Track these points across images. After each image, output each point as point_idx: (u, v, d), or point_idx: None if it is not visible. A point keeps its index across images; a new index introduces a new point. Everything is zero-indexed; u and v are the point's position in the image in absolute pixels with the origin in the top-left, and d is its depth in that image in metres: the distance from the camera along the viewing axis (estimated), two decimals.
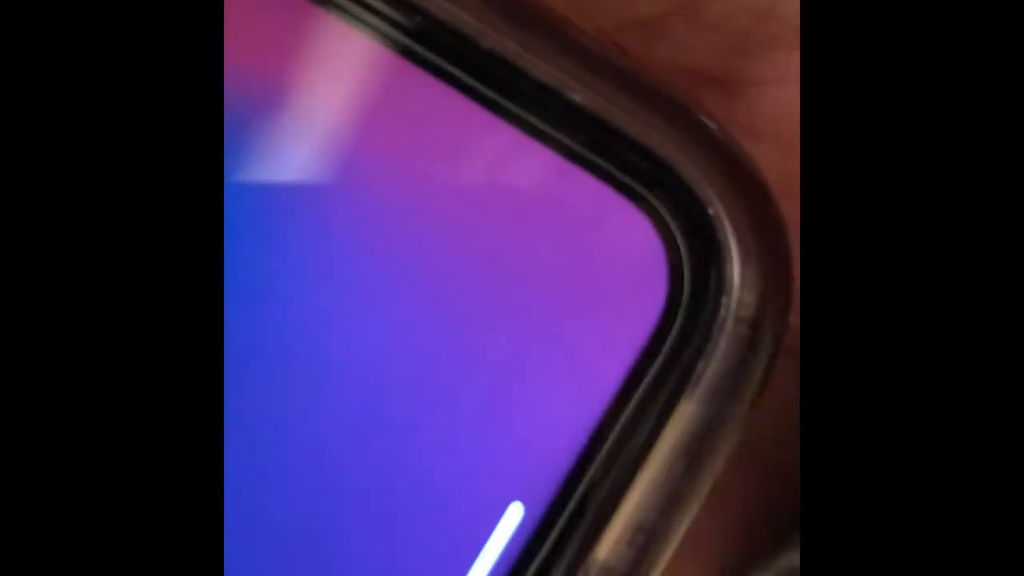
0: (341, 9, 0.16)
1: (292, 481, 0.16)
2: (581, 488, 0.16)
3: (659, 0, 0.19)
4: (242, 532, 0.16)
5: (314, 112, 0.16)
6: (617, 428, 0.16)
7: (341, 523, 0.16)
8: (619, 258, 0.16)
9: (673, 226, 0.16)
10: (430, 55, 0.16)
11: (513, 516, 0.16)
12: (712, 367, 0.15)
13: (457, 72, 0.16)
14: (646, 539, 0.16)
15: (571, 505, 0.16)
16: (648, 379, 0.16)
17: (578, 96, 0.16)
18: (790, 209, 0.16)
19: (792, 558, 0.19)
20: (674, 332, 0.16)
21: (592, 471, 0.16)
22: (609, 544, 0.16)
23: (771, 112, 0.19)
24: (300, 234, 0.16)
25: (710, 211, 0.15)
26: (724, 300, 0.15)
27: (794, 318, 0.16)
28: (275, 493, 0.16)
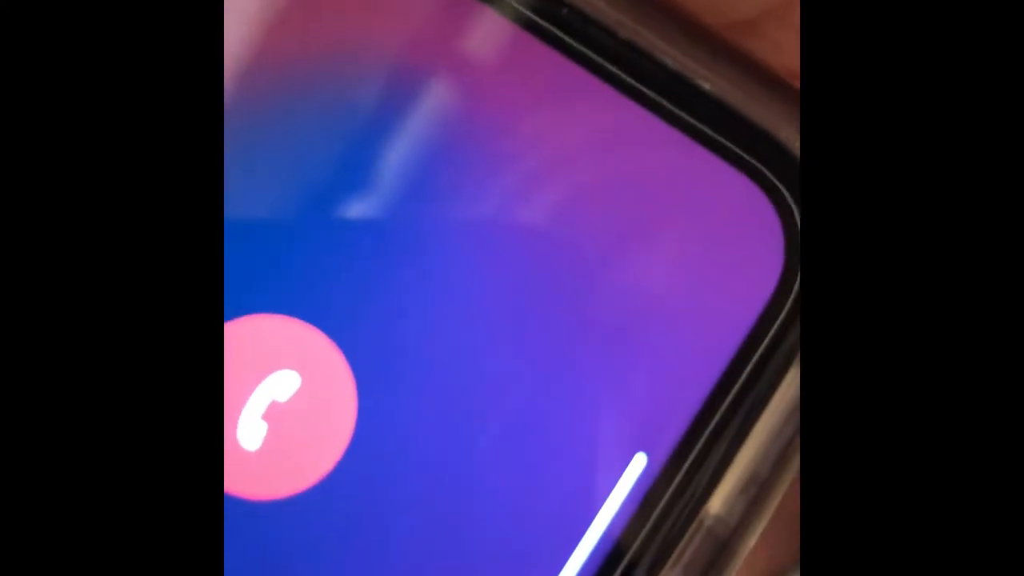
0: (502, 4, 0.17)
1: (431, 435, 0.17)
2: (701, 441, 0.17)
3: (753, 3, 0.21)
4: (388, 479, 0.17)
5: (459, 93, 0.17)
6: (736, 385, 0.17)
7: (478, 472, 0.17)
8: (741, 227, 0.17)
9: (788, 198, 0.17)
10: (572, 41, 0.17)
11: (637, 465, 0.17)
12: None
13: (595, 56, 0.17)
14: (758, 490, 0.17)
15: (691, 457, 0.17)
16: (766, 340, 0.17)
17: (707, 84, 0.17)
18: None
19: None
20: (791, 297, 0.17)
21: (712, 425, 0.17)
22: (723, 494, 0.17)
23: None
24: (439, 211, 0.17)
25: None
26: None
27: None
28: (415, 446, 0.17)
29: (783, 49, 0.21)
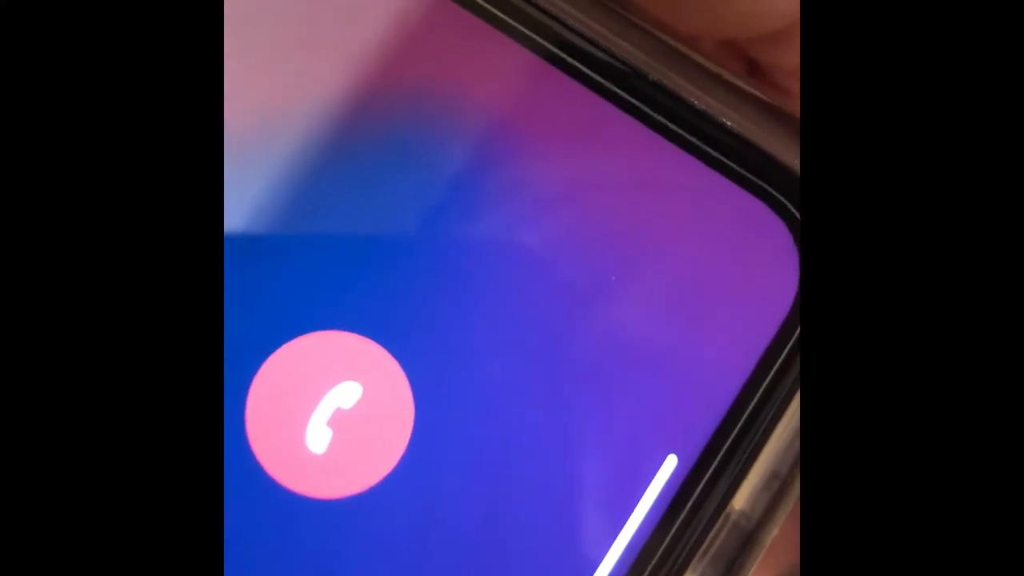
0: (535, 43, 0.19)
1: (481, 439, 0.19)
2: (728, 443, 0.19)
3: (785, 14, 0.22)
4: (442, 474, 0.19)
5: (504, 125, 0.19)
6: (760, 389, 0.19)
7: (523, 474, 0.19)
8: (762, 242, 0.19)
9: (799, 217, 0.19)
10: (602, 80, 0.19)
11: (668, 466, 0.19)
12: None
13: (626, 96, 0.19)
14: (780, 485, 0.19)
15: (718, 457, 0.19)
16: (787, 347, 0.19)
17: (728, 121, 0.19)
18: None
19: None
20: None
21: (737, 428, 0.19)
22: (747, 491, 0.19)
23: None
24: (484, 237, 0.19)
25: None
26: None
27: None
28: (467, 450, 0.19)
29: None
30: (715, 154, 0.19)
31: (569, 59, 0.19)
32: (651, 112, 0.19)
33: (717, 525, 0.19)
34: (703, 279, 0.19)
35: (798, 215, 0.19)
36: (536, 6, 0.19)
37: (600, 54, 0.19)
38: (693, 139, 0.19)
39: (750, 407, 0.19)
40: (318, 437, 0.19)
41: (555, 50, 0.19)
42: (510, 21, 0.19)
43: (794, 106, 0.19)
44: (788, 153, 0.19)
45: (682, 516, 0.19)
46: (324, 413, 0.19)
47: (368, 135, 0.19)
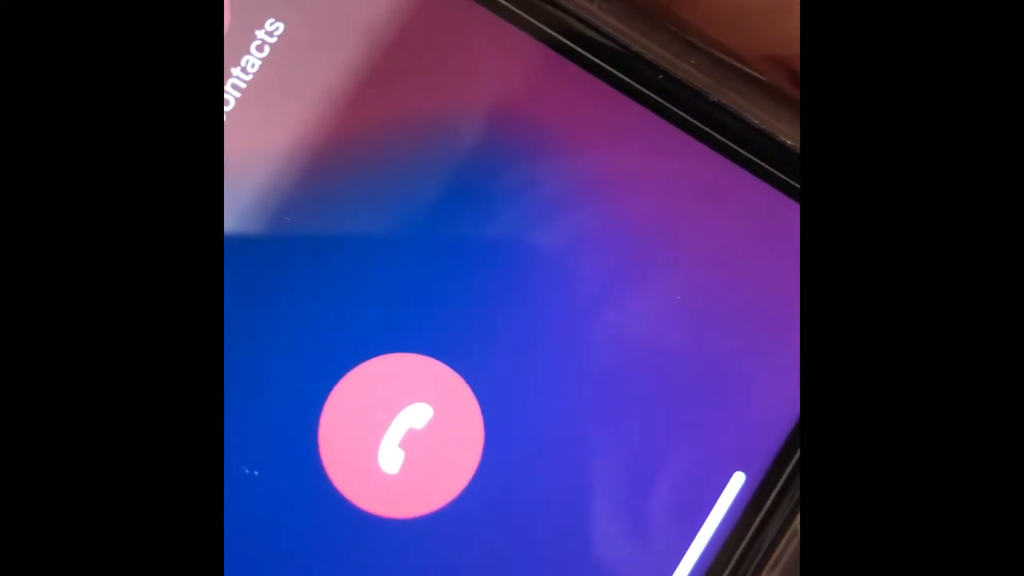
0: (595, 67, 0.20)
1: (550, 459, 0.19)
2: (793, 459, 0.19)
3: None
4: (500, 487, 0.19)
5: (551, 141, 0.20)
6: None
7: (594, 492, 0.19)
8: None
9: None
10: (667, 104, 0.19)
11: (736, 482, 0.19)
12: None
13: (686, 116, 0.20)
14: None
15: (786, 473, 0.19)
16: None
17: (788, 140, 0.19)
18: None
19: None
20: None
21: (801, 444, 0.19)
22: None
23: None
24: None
25: None
26: None
27: None
28: (537, 469, 0.19)
29: None
30: (772, 170, 0.19)
31: (629, 81, 0.20)
32: (712, 132, 0.19)
33: (784, 540, 0.19)
34: (772, 299, 0.19)
35: None
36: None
37: (657, 73, 0.19)
38: (755, 159, 0.19)
39: None
40: (391, 458, 0.19)
41: (614, 69, 0.20)
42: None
43: None
44: None
45: (750, 532, 0.19)
46: (396, 434, 0.19)
47: (434, 155, 0.20)
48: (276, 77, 0.20)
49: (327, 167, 0.20)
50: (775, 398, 0.19)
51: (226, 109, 0.19)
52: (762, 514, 0.19)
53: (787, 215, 0.19)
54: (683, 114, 0.19)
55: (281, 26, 0.20)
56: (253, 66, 0.20)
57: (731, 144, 0.19)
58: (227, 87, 0.19)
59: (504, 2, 0.20)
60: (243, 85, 0.19)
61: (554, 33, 0.19)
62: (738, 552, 0.19)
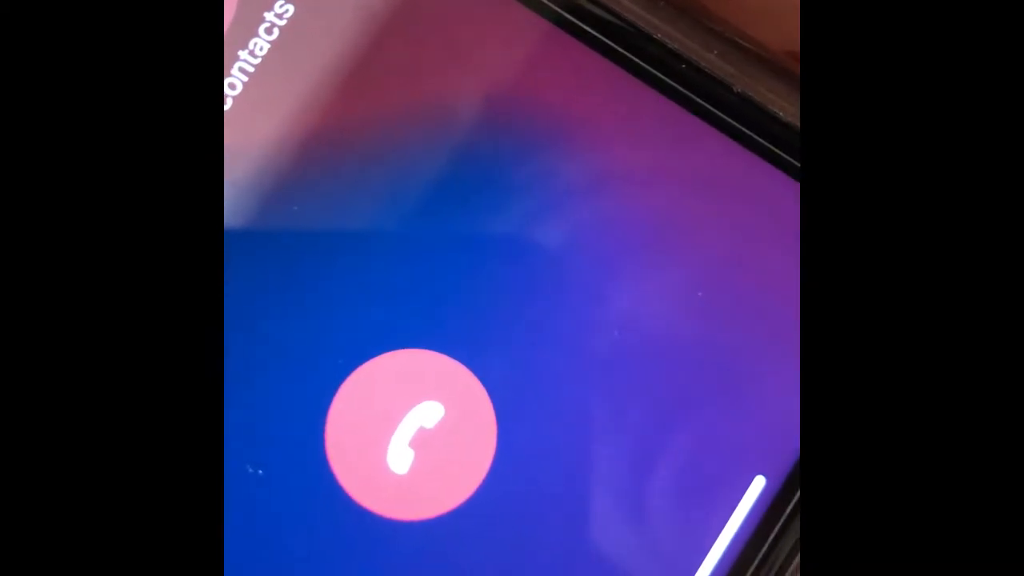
0: (615, 54, 0.19)
1: (565, 460, 0.19)
2: None
3: None
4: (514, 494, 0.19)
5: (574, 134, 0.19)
6: None
7: (609, 493, 0.19)
8: None
9: None
10: (690, 94, 0.19)
11: (757, 487, 0.19)
12: None
13: (709, 107, 0.19)
14: None
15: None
16: None
17: None
18: None
19: None
20: None
21: None
22: None
23: None
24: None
25: None
26: None
27: None
28: (551, 470, 0.19)
29: None
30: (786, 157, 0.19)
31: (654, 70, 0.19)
32: (734, 122, 0.19)
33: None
34: (796, 302, 0.19)
35: None
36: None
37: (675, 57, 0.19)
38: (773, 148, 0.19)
39: None
40: (400, 458, 0.19)
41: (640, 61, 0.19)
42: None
43: None
44: None
45: (770, 538, 0.19)
46: (406, 433, 0.19)
47: (445, 146, 0.19)
48: (285, 61, 0.19)
49: (335, 155, 0.19)
50: (796, 402, 0.19)
51: (233, 93, 0.19)
52: (783, 519, 0.19)
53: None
54: (707, 105, 0.19)
55: (291, 8, 0.19)
56: (262, 49, 0.19)
57: (760, 140, 0.19)
58: (234, 70, 0.19)
59: None
60: (251, 69, 0.19)
61: (576, 20, 0.19)
62: (758, 558, 0.19)
